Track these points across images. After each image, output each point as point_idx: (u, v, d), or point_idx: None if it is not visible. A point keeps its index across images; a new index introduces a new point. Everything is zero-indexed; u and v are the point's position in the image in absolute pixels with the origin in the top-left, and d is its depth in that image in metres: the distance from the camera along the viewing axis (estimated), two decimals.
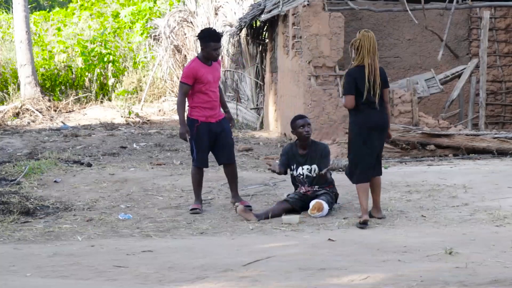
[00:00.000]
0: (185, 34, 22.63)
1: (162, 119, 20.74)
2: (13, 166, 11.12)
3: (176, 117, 20.90)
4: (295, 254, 6.55)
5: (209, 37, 8.66)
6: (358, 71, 7.84)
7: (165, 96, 23.24)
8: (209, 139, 8.77)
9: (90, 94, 23.12)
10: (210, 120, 8.74)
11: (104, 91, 23.52)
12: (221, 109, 8.96)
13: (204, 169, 9.01)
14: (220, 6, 21.64)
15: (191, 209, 8.71)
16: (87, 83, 23.74)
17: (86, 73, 23.72)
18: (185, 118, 8.80)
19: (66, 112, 21.06)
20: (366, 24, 16.17)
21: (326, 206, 8.38)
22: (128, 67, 24.30)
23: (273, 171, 8.67)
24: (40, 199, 9.27)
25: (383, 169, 10.99)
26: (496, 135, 12.63)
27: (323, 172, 8.47)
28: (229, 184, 9.02)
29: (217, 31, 8.90)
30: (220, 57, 9.32)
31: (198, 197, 8.88)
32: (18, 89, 22.13)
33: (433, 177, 10.10)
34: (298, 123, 8.65)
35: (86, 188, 9.83)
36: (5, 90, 22.79)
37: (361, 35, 7.81)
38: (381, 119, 7.95)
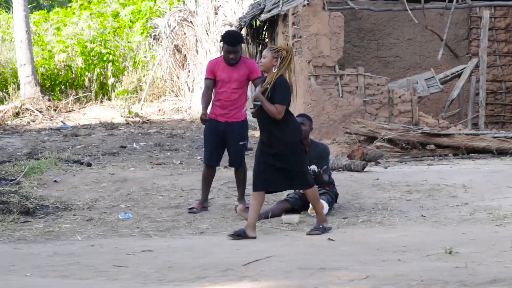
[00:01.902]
0: (185, 33, 22.63)
1: (162, 118, 20.74)
2: (13, 165, 11.12)
3: (176, 116, 20.94)
4: (295, 253, 6.55)
5: (224, 39, 8.64)
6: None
7: (165, 95, 23.23)
8: (216, 137, 8.73)
9: (90, 93, 23.10)
10: (219, 118, 8.70)
11: (104, 91, 23.51)
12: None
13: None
14: (220, 5, 21.64)
15: (190, 208, 8.71)
16: (87, 83, 23.72)
17: (86, 73, 23.70)
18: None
19: (66, 112, 21.05)
20: (366, 24, 16.19)
21: (326, 206, 8.37)
22: (128, 67, 24.29)
23: None
24: (40, 199, 9.27)
25: (383, 168, 11.07)
26: (496, 135, 12.64)
27: (320, 172, 8.43)
28: (236, 185, 9.01)
29: (235, 35, 8.79)
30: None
31: (202, 196, 8.85)
32: (18, 88, 22.12)
33: (433, 176, 10.10)
34: None
35: (86, 187, 9.83)
36: (5, 90, 22.77)
37: (290, 48, 7.61)
38: None
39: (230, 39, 8.62)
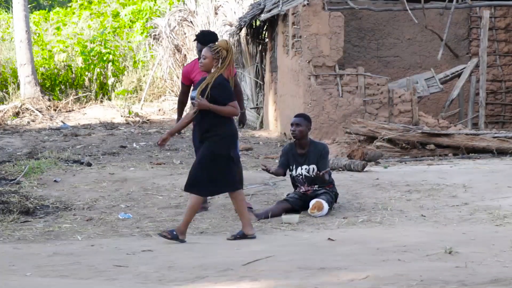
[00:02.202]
0: (185, 33, 22.63)
1: (162, 118, 20.73)
2: (13, 165, 11.12)
3: (175, 116, 20.92)
4: (295, 253, 6.55)
5: (197, 38, 8.55)
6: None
7: (165, 95, 23.23)
8: None
9: (90, 93, 23.11)
10: None
11: (104, 91, 23.51)
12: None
13: None
14: (220, 5, 21.64)
15: None
16: (87, 83, 23.72)
17: (86, 73, 23.70)
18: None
19: (66, 112, 21.05)
20: (366, 24, 16.18)
21: (326, 206, 8.38)
22: (128, 67, 24.29)
23: (267, 171, 8.62)
24: (40, 199, 9.27)
25: (382, 168, 11.06)
26: (496, 135, 12.63)
27: (321, 173, 8.44)
28: None
29: (207, 33, 8.62)
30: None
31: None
32: (18, 88, 22.12)
33: (433, 176, 10.10)
34: (291, 121, 8.69)
35: (86, 187, 9.83)
36: (5, 90, 22.78)
37: (230, 47, 7.38)
38: None
39: (202, 38, 8.47)
